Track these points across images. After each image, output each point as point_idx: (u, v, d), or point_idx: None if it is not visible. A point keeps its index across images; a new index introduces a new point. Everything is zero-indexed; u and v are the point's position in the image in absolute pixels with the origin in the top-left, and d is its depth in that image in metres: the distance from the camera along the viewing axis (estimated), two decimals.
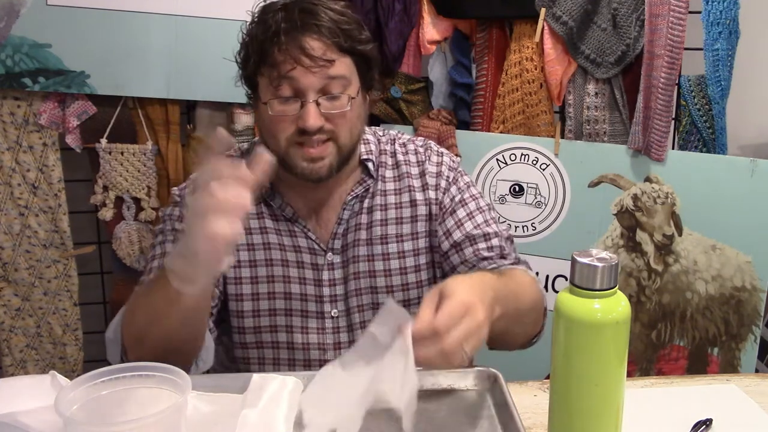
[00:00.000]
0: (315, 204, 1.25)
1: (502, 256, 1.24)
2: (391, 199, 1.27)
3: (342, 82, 1.14)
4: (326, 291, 1.25)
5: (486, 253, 1.23)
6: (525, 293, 1.13)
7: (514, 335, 1.16)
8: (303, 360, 1.25)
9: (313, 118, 1.12)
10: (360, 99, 1.19)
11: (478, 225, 1.25)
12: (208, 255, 0.89)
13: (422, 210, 1.27)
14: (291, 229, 1.25)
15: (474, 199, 1.28)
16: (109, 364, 0.88)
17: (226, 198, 0.86)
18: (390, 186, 1.28)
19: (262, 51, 1.13)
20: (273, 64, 1.12)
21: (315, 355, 1.25)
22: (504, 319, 0.98)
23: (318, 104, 1.13)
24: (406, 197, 1.27)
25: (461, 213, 1.26)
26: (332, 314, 1.26)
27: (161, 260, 1.19)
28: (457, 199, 1.27)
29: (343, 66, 1.14)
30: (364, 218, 1.26)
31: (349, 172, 1.25)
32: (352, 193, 1.25)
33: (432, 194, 1.28)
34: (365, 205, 1.26)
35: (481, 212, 1.27)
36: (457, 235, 1.25)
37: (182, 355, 1.06)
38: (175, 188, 1.29)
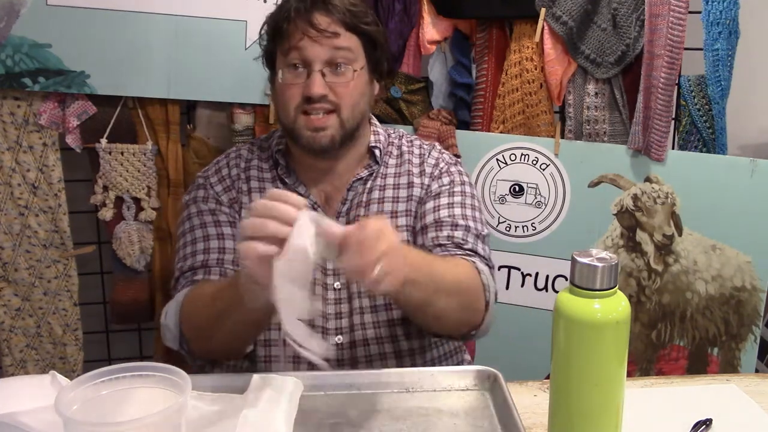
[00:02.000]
0: (325, 185, 1.34)
1: (457, 246, 1.26)
2: (390, 180, 1.36)
3: (347, 54, 1.25)
4: (329, 264, 1.29)
5: (443, 241, 1.26)
6: (448, 271, 1.14)
7: (441, 312, 1.15)
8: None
9: (317, 86, 1.23)
10: (365, 77, 1.29)
11: (454, 215, 1.29)
12: (250, 271, 0.93)
13: (417, 191, 1.35)
14: None
15: (463, 194, 1.33)
16: (109, 364, 0.88)
17: (261, 221, 0.92)
18: (391, 170, 1.37)
19: (276, 27, 1.28)
20: (285, 36, 1.26)
21: (318, 322, 1.28)
22: (417, 287, 1.03)
23: (323, 75, 1.24)
24: (404, 179, 1.36)
25: (443, 200, 1.32)
26: (335, 286, 1.30)
27: (192, 247, 1.28)
28: (445, 188, 1.34)
29: (348, 40, 1.25)
30: (364, 197, 1.34)
31: (358, 158, 1.35)
32: (356, 176, 1.34)
33: (426, 180, 1.36)
34: (367, 186, 1.35)
35: (463, 207, 1.32)
36: (429, 219, 1.30)
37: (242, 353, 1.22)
38: (200, 172, 1.39)
